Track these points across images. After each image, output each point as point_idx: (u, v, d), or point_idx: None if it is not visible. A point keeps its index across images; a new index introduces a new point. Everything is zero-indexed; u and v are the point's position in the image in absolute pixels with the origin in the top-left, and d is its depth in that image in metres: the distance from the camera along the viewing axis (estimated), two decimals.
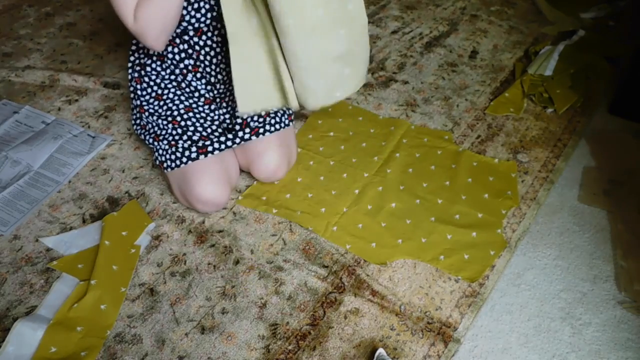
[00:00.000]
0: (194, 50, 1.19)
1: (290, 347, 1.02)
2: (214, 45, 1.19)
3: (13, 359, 0.98)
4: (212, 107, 1.28)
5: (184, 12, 1.12)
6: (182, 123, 1.23)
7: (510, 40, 1.81)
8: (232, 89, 1.18)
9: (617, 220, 1.24)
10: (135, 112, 1.29)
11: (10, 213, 1.27)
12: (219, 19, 1.16)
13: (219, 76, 1.24)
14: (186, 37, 1.18)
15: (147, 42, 1.08)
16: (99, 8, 2.03)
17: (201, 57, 1.20)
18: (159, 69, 1.26)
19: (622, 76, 1.56)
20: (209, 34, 1.18)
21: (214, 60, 1.21)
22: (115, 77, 1.67)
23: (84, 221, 1.25)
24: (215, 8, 1.14)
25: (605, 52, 1.71)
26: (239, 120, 1.25)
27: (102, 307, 1.07)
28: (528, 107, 1.55)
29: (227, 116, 1.28)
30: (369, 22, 1.87)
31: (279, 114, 1.28)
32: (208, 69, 1.22)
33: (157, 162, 1.23)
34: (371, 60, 1.72)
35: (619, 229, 1.22)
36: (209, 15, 1.15)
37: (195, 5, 1.13)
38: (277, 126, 1.27)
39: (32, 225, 1.24)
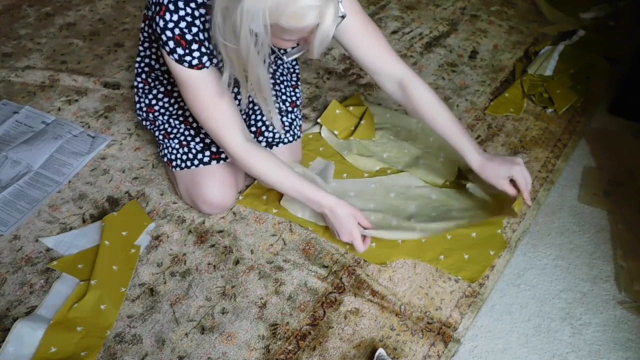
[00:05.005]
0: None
1: (290, 347, 1.02)
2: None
3: (13, 359, 0.98)
4: None
5: None
6: (194, 125, 1.22)
7: (510, 40, 1.81)
8: (248, 95, 1.14)
9: (617, 220, 1.24)
10: (143, 109, 1.26)
11: (10, 213, 1.27)
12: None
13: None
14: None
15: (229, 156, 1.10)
16: (98, 8, 2.03)
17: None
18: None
19: (622, 76, 1.56)
20: None
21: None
22: (115, 77, 1.67)
23: (84, 221, 1.25)
24: None
25: (605, 52, 1.71)
26: (252, 129, 1.24)
27: (102, 307, 1.07)
28: (528, 107, 1.55)
29: None
30: None
31: (292, 125, 1.28)
32: None
33: (165, 160, 1.22)
34: None
35: (619, 229, 1.22)
36: None
37: None
38: (291, 138, 1.28)
39: (32, 225, 1.24)
